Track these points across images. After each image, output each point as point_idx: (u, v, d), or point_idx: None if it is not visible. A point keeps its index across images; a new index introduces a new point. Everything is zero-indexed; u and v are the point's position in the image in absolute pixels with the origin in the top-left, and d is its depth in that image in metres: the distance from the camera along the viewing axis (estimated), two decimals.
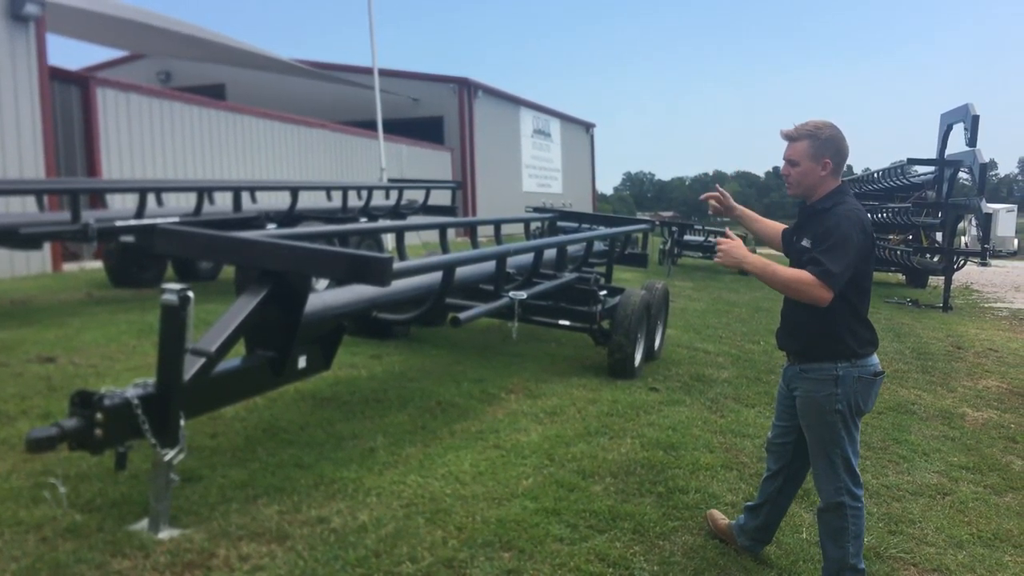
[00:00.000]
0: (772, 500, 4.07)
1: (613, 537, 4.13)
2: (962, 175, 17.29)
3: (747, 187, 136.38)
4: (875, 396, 3.73)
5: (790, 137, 3.65)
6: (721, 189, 4.21)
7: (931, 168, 18.24)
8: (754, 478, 5.19)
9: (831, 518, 3.70)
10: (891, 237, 19.71)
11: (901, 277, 21.99)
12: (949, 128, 17.69)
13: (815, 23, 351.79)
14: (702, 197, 4.25)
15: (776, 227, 4.17)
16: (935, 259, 18.75)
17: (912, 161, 18.34)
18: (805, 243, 3.63)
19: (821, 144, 3.61)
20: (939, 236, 18.67)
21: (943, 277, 16.89)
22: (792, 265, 3.71)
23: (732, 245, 3.68)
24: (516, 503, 4.42)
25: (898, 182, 19.99)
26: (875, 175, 21.82)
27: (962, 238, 23.93)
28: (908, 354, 10.48)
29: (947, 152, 17.83)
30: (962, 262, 18.63)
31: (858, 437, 3.73)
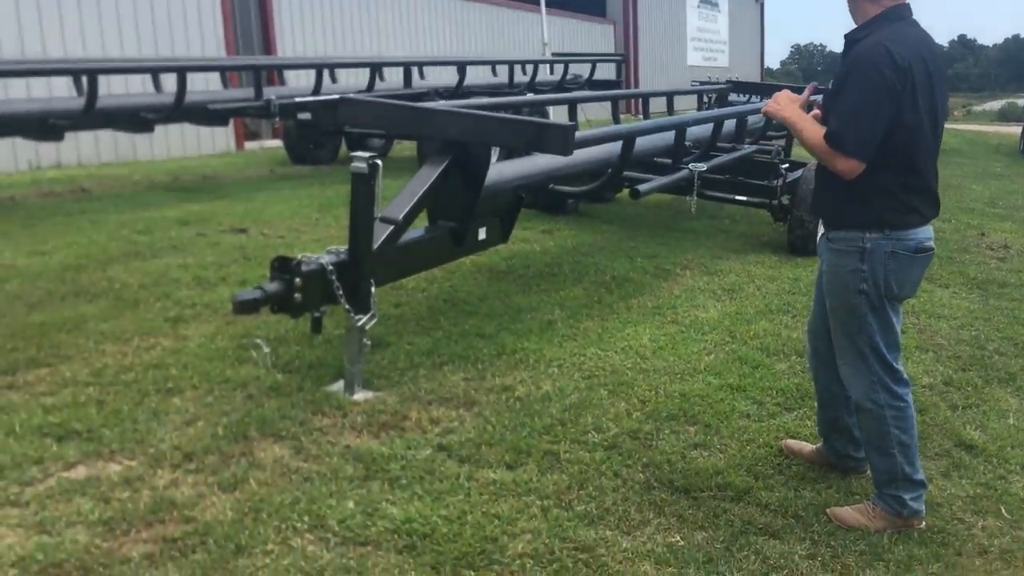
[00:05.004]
0: (824, 395, 3.46)
1: (803, 416, 4.00)
2: None
3: None
4: (917, 278, 3.10)
5: None
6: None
7: None
8: (951, 360, 4.90)
9: (868, 421, 3.14)
10: None
11: None
12: None
13: None
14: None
15: None
16: None
17: None
18: (831, 84, 3.09)
19: None
20: None
21: None
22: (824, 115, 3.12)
23: (781, 95, 3.19)
24: (699, 378, 4.34)
25: None
26: None
27: None
28: None
29: None
30: None
31: (896, 326, 3.09)
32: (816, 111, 3.19)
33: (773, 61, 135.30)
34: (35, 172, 10.05)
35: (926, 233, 3.06)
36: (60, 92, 9.23)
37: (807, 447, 3.60)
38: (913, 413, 3.17)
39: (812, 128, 3.02)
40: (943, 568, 2.92)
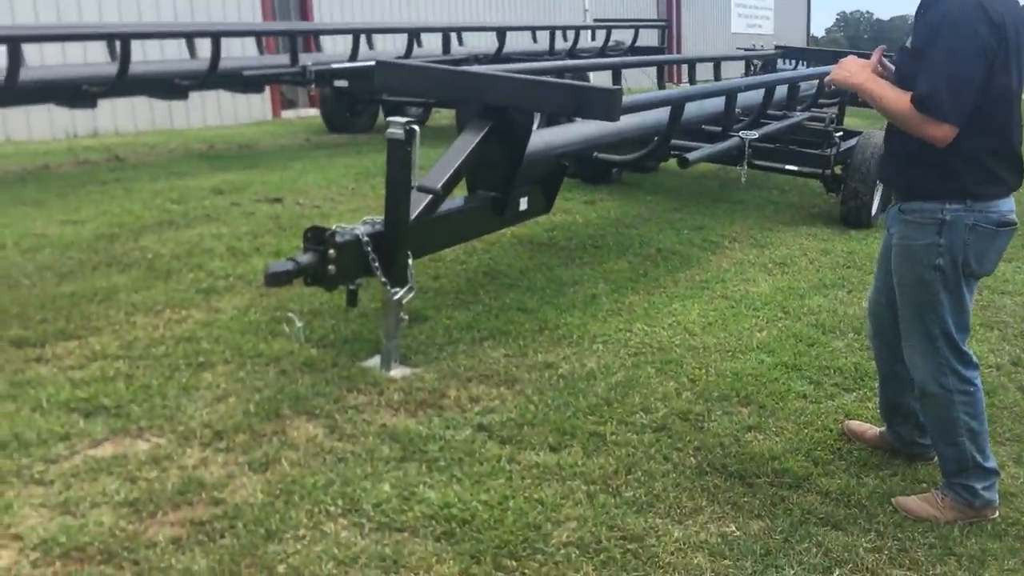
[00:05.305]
0: (887, 377, 3.26)
1: (863, 396, 3.79)
2: None
3: None
4: (998, 254, 2.86)
5: None
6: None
7: None
8: (1018, 339, 4.64)
9: (934, 407, 2.91)
10: None
11: None
12: None
13: None
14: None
15: None
16: None
17: None
18: (907, 43, 2.80)
19: None
20: None
21: None
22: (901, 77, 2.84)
23: (848, 61, 2.93)
24: (751, 356, 4.14)
25: None
26: None
27: None
28: None
29: None
30: None
31: (969, 306, 2.87)
32: (879, 68, 2.94)
33: (818, 29, 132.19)
34: (71, 141, 9.99)
35: (1009, 205, 2.82)
36: (96, 59, 9.13)
37: (870, 430, 3.39)
38: (982, 397, 2.95)
39: (894, 94, 2.75)
40: (1020, 564, 2.72)
